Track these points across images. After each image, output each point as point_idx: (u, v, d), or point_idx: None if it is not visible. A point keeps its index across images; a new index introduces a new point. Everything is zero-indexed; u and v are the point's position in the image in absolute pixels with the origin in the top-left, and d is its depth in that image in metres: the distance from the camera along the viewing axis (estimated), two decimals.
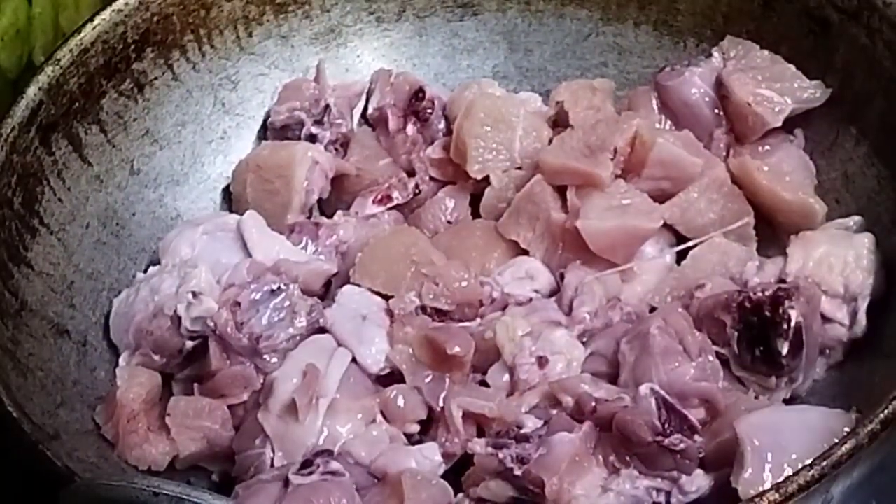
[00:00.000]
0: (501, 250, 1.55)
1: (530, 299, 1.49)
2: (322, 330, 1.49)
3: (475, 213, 1.62)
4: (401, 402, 1.43)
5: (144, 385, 1.47)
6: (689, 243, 1.53)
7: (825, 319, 1.41)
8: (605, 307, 1.47)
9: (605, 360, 1.43)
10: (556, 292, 1.50)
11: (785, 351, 1.36)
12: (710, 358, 1.38)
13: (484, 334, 1.45)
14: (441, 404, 1.42)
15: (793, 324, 1.36)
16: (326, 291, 1.57)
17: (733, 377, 1.40)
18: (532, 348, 1.43)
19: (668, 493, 1.31)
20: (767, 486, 1.21)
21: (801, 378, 1.39)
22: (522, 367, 1.42)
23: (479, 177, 1.58)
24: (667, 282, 1.51)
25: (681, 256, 1.54)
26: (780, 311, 1.36)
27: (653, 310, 1.48)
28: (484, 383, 1.44)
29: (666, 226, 1.53)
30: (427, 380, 1.44)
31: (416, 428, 1.44)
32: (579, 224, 1.48)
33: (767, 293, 1.38)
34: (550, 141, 1.58)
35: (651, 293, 1.51)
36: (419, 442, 1.43)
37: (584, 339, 1.45)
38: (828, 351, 1.43)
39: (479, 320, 1.48)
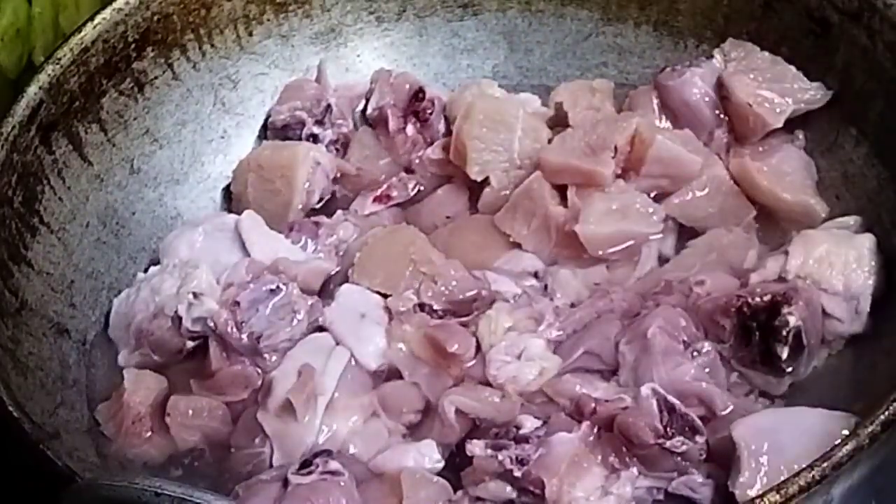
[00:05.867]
0: (498, 246, 1.55)
1: (516, 295, 1.49)
2: (321, 329, 1.49)
3: (474, 211, 1.62)
4: (399, 395, 1.44)
5: (152, 389, 1.48)
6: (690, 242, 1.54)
7: (826, 315, 1.41)
8: (595, 297, 1.47)
9: (598, 358, 1.43)
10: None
11: (785, 356, 1.36)
12: (711, 356, 1.39)
13: (470, 328, 1.46)
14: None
15: (792, 329, 1.36)
16: (326, 290, 1.56)
17: (734, 372, 1.40)
18: (508, 348, 1.43)
19: (669, 494, 1.32)
20: (763, 489, 1.21)
21: (802, 372, 1.40)
22: (494, 362, 1.43)
23: (480, 178, 1.58)
24: (663, 271, 1.52)
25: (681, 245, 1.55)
26: (779, 317, 1.36)
27: (645, 299, 1.48)
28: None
29: (666, 216, 1.54)
30: (426, 375, 1.44)
31: (415, 418, 1.44)
32: (578, 229, 1.48)
33: (766, 298, 1.38)
34: (550, 141, 1.58)
35: (645, 282, 1.51)
36: (417, 433, 1.44)
37: (570, 333, 1.45)
38: (829, 340, 1.43)
39: (477, 312, 1.48)
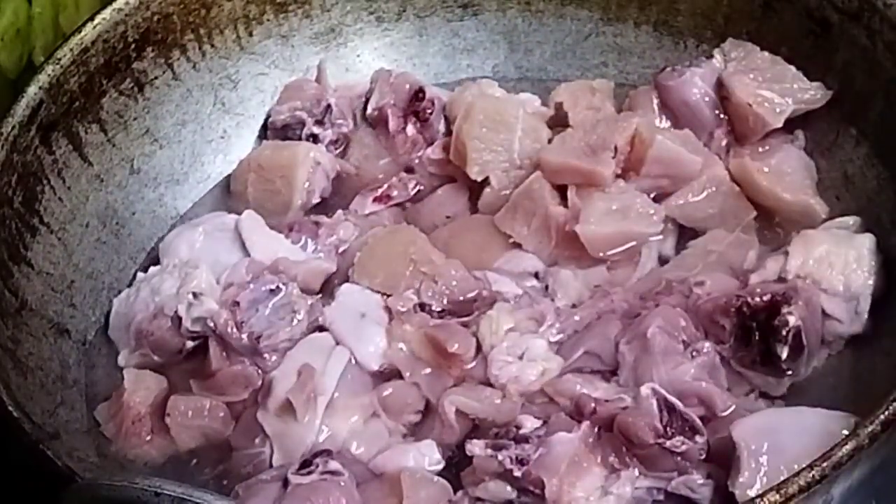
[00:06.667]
0: (498, 246, 1.55)
1: (516, 296, 1.49)
2: (321, 328, 1.49)
3: (474, 211, 1.62)
4: (399, 395, 1.44)
5: (152, 390, 1.48)
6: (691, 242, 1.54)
7: (825, 316, 1.41)
8: (595, 298, 1.47)
9: (598, 359, 1.43)
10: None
11: (784, 355, 1.36)
12: (711, 356, 1.39)
13: (471, 328, 1.46)
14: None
15: (791, 329, 1.36)
16: (326, 290, 1.56)
17: (734, 372, 1.40)
18: (510, 348, 1.43)
19: (668, 494, 1.32)
20: (763, 489, 1.21)
21: (802, 372, 1.40)
22: (496, 362, 1.43)
23: (479, 178, 1.58)
24: (664, 271, 1.52)
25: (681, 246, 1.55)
26: (779, 316, 1.36)
27: (646, 300, 1.48)
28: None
29: (666, 217, 1.54)
30: (426, 375, 1.44)
31: (416, 418, 1.44)
32: (578, 229, 1.48)
33: (765, 298, 1.38)
34: (550, 141, 1.58)
35: (645, 282, 1.51)
36: (417, 434, 1.44)
37: (570, 334, 1.46)
38: (829, 341, 1.43)
39: (477, 313, 1.48)
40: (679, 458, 1.30)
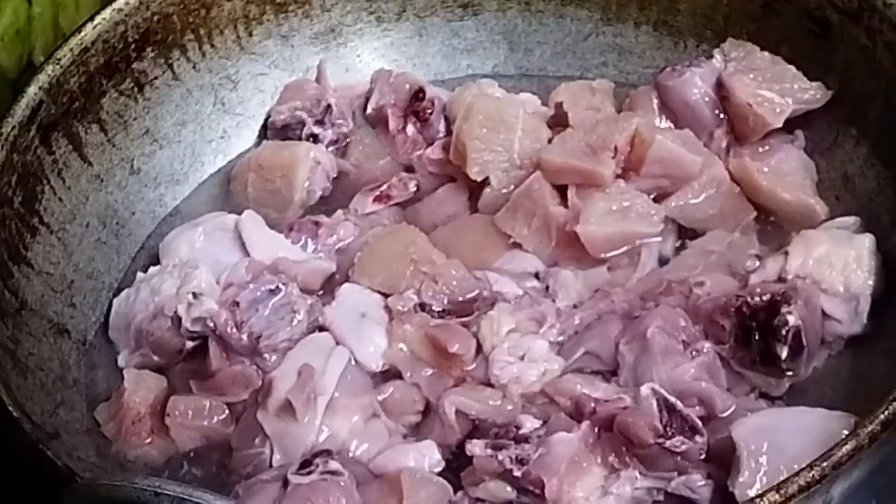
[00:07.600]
0: (498, 246, 1.55)
1: (517, 296, 1.49)
2: (321, 328, 1.49)
3: (474, 211, 1.62)
4: (399, 396, 1.44)
5: (152, 390, 1.48)
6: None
7: (825, 316, 1.41)
8: (596, 299, 1.47)
9: (598, 359, 1.43)
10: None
11: (784, 355, 1.37)
12: (711, 356, 1.39)
13: (471, 328, 1.46)
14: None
15: (791, 328, 1.36)
16: (326, 290, 1.57)
17: (734, 373, 1.40)
18: (512, 349, 1.43)
19: (668, 494, 1.32)
20: (763, 489, 1.21)
21: (801, 373, 1.40)
22: (497, 363, 1.43)
23: (479, 178, 1.58)
24: (664, 271, 1.51)
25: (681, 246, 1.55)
26: (779, 316, 1.36)
27: (646, 300, 1.48)
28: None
29: (666, 217, 1.54)
30: (426, 376, 1.44)
31: (416, 418, 1.44)
32: (579, 229, 1.48)
33: (765, 298, 1.38)
34: (550, 141, 1.58)
35: (646, 283, 1.51)
36: (417, 434, 1.44)
37: (571, 334, 1.46)
38: (829, 341, 1.43)
39: (477, 313, 1.48)
40: (679, 458, 1.30)
